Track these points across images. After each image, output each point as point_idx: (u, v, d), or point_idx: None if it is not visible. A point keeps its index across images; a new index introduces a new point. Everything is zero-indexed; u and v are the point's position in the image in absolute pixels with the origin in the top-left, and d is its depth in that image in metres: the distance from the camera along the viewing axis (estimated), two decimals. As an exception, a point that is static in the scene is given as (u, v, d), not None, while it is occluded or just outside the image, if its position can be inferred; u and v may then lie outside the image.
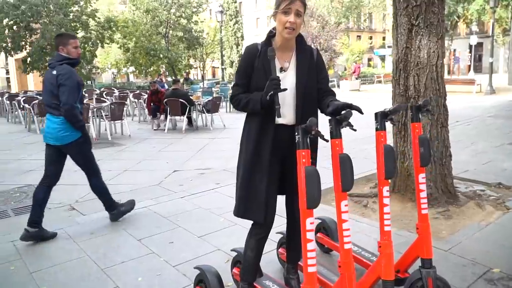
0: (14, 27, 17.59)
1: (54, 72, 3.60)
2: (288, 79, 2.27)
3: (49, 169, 3.85)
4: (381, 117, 2.19)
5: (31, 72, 19.65)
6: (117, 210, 3.99)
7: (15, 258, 3.20)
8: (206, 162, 6.46)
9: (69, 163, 6.80)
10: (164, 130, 10.23)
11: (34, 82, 28.05)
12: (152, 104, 10.75)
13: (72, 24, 18.60)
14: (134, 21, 22.84)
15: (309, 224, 1.78)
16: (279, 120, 2.23)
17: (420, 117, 3.91)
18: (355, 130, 2.06)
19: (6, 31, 17.49)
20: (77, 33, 18.64)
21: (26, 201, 4.72)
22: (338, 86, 27.27)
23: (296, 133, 1.82)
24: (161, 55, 23.17)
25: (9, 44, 17.70)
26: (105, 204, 3.98)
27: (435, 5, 3.83)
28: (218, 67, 40.96)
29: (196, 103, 10.48)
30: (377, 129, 2.21)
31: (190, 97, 10.40)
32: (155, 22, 23.01)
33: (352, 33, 44.25)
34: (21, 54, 19.01)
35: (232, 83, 2.87)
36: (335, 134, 1.95)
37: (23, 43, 17.99)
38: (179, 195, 4.69)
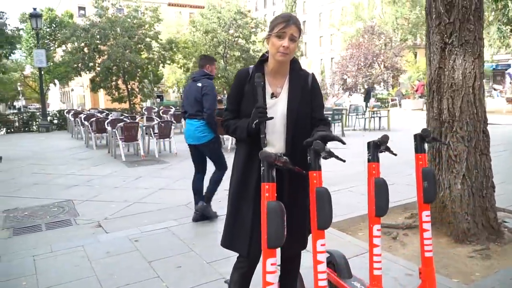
0: (85, 49, 19.07)
1: (199, 84, 4.41)
2: (279, 105, 2.16)
3: (196, 165, 4.67)
4: (374, 148, 1.99)
5: (98, 90, 21.14)
6: (208, 207, 4.51)
7: (31, 273, 3.31)
8: (241, 183, 6.38)
9: (116, 179, 7.05)
10: (211, 148, 10.36)
11: (104, 99, 30.11)
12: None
13: (137, 46, 19.77)
14: (194, 42, 23.80)
15: (270, 265, 1.63)
16: (266, 149, 2.11)
17: (455, 144, 3.55)
18: (343, 161, 1.91)
19: (78, 53, 19.01)
20: (141, 54, 19.81)
21: (60, 216, 4.93)
22: (400, 105, 26.15)
23: (261, 165, 1.69)
24: (219, 75, 23.80)
25: (79, 65, 19.17)
26: (206, 195, 4.54)
27: (471, 22, 3.50)
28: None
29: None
30: (369, 160, 2.01)
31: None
32: (214, 43, 23.77)
33: (420, 49, 42.51)
34: (92, 74, 20.50)
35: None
36: (314, 166, 1.80)
37: (92, 64, 19.43)
38: (203, 216, 4.65)
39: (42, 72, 17.37)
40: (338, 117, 13.44)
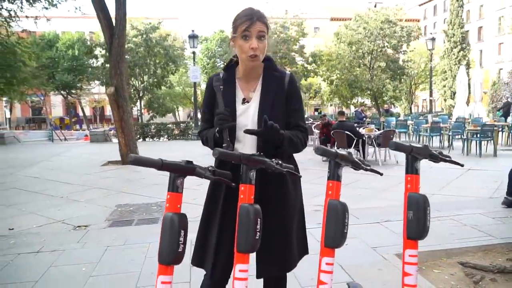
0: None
1: None
2: (250, 111, 1.99)
3: None
4: (334, 165, 1.65)
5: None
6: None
7: (95, 261, 3.70)
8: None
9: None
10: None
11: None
12: (323, 135, 10.78)
13: (283, 61, 20.59)
14: (339, 54, 23.49)
15: (160, 283, 1.49)
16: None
17: None
18: (299, 176, 1.66)
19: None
20: (285, 68, 20.55)
21: (155, 214, 5.42)
22: None
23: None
24: (363, 87, 22.96)
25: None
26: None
27: None
28: (446, 98, 37.09)
29: (366, 136, 9.92)
30: (328, 178, 1.67)
31: (360, 129, 9.98)
32: (359, 54, 23.04)
33: None
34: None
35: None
36: (244, 179, 1.59)
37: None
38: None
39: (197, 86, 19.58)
40: (490, 134, 11.49)
